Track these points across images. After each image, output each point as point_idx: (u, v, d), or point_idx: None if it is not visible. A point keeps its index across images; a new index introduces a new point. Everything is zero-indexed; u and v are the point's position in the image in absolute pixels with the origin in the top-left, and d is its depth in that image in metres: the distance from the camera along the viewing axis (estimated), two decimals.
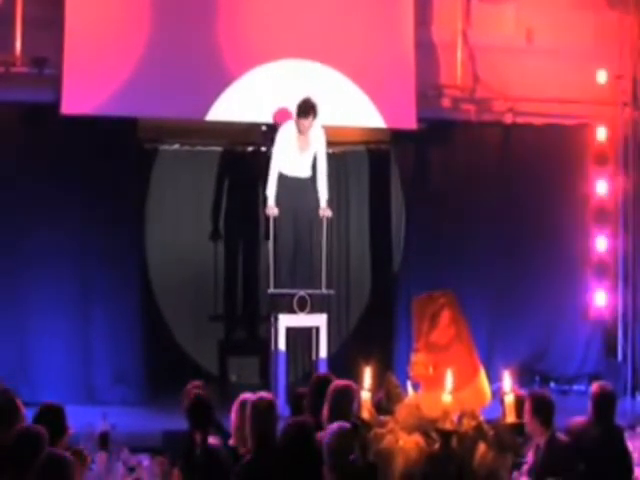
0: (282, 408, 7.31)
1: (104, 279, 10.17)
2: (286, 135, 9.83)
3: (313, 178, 9.96)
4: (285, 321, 9.58)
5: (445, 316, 5.61)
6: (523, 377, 9.84)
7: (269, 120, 10.43)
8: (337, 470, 4.98)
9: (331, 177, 10.22)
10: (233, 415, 6.05)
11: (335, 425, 5.13)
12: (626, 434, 6.61)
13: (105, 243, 10.16)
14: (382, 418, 5.31)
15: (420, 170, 11.11)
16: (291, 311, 9.63)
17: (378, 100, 10.62)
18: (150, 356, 10.38)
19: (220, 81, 10.27)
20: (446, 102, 11.26)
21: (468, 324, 5.71)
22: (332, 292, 10.26)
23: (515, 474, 5.76)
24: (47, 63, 10.02)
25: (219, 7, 10.32)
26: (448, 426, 5.05)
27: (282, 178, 9.85)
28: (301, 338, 10.30)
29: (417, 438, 5.15)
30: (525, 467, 6.00)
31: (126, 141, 10.33)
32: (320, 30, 10.50)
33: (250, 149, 11.28)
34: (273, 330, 9.67)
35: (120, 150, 10.24)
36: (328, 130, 10.09)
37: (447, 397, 5.06)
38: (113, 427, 6.51)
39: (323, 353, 9.62)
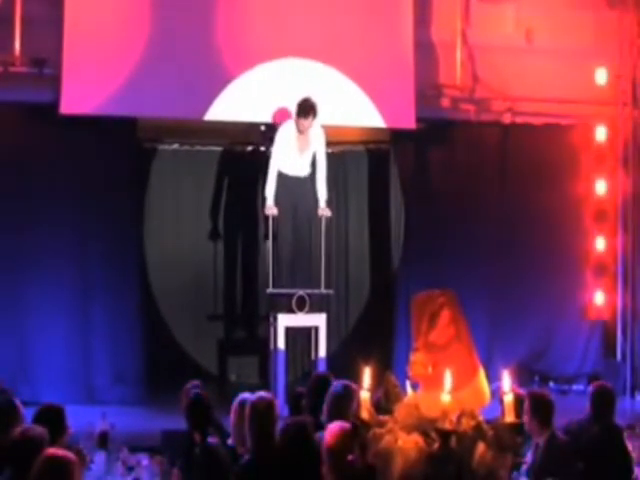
0: (281, 408, 7.31)
1: (104, 279, 10.17)
2: (285, 134, 9.84)
3: (312, 177, 9.96)
4: (284, 321, 9.58)
5: (444, 316, 5.61)
6: (522, 377, 9.83)
7: (268, 119, 10.44)
8: (336, 470, 4.98)
9: (330, 177, 10.22)
10: (232, 415, 6.05)
11: (334, 425, 5.12)
12: (625, 434, 6.60)
13: (105, 243, 10.17)
14: (381, 418, 5.31)
15: (419, 170, 11.12)
16: (290, 311, 9.64)
17: (377, 100, 10.62)
18: (149, 356, 10.39)
19: (219, 80, 10.27)
20: (445, 102, 11.26)
21: (467, 324, 5.71)
22: (331, 292, 10.27)
23: (515, 474, 5.76)
24: (46, 63, 10.02)
25: (218, 6, 10.32)
26: (447, 426, 5.05)
27: (281, 177, 9.85)
28: (300, 338, 10.31)
29: (416, 438, 5.14)
30: (524, 467, 5.99)
31: (125, 141, 10.34)
32: (319, 29, 10.50)
33: (249, 149, 11.28)
34: (272, 330, 9.67)
35: (119, 150, 10.25)
36: (327, 130, 10.09)
37: (446, 397, 5.06)
38: (112, 427, 6.51)
39: (322, 353, 9.62)
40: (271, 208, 9.85)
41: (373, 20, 10.66)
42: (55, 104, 9.93)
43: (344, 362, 9.41)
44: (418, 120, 10.77)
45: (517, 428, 5.20)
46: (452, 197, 11.02)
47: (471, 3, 11.28)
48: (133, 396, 10.03)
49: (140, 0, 10.22)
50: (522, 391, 6.20)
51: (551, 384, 11.04)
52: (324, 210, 9.95)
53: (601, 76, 11.39)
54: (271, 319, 9.74)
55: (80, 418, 6.34)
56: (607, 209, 11.52)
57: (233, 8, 10.35)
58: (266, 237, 10.16)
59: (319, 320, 9.71)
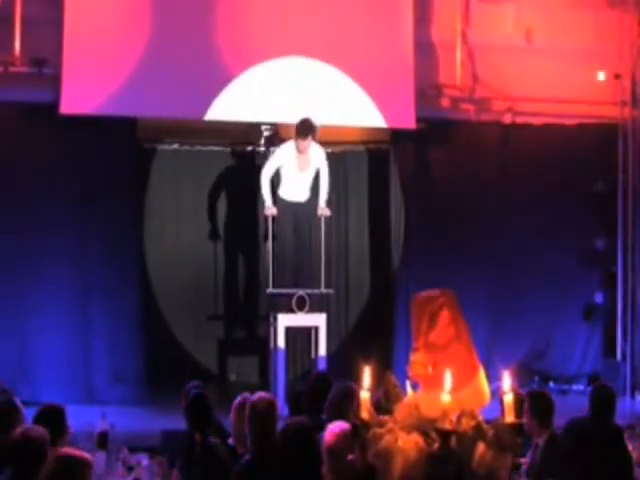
0: (281, 408, 7.31)
1: (104, 279, 10.18)
2: (286, 154, 9.82)
3: (311, 201, 9.96)
4: (284, 321, 9.59)
5: (444, 316, 5.60)
6: (522, 377, 9.84)
7: (269, 119, 10.44)
8: (336, 470, 4.98)
9: (330, 177, 10.22)
10: (232, 415, 6.05)
11: (334, 425, 5.12)
12: (625, 434, 6.60)
13: (105, 243, 10.18)
14: (381, 418, 5.31)
15: (419, 170, 11.12)
16: (290, 310, 9.65)
17: (378, 99, 10.63)
18: (150, 356, 10.39)
19: (219, 80, 10.28)
20: (445, 102, 11.27)
21: (467, 324, 5.71)
22: (331, 291, 10.28)
23: (514, 474, 5.76)
24: (46, 63, 10.03)
25: (218, 5, 10.32)
26: (447, 426, 5.04)
27: (280, 201, 9.86)
28: (300, 337, 10.32)
29: (416, 438, 5.13)
30: (524, 467, 5.99)
31: (125, 141, 10.35)
32: (320, 29, 10.50)
33: (250, 149, 11.29)
34: (272, 329, 9.68)
35: (119, 150, 10.26)
36: (328, 130, 10.09)
37: (446, 397, 5.05)
38: (112, 427, 6.50)
39: (322, 352, 9.63)
40: (270, 208, 9.86)
41: (373, 20, 10.68)
42: (55, 104, 9.94)
43: (344, 362, 9.40)
44: (418, 120, 10.78)
45: (517, 428, 5.19)
46: (452, 197, 11.02)
47: (471, 3, 11.29)
48: (133, 396, 10.03)
49: (140, 0, 10.23)
50: (522, 391, 6.20)
51: (551, 384, 11.04)
52: (324, 210, 9.96)
53: (601, 76, 11.39)
54: (271, 319, 9.74)
55: (80, 418, 6.33)
56: (607, 209, 11.52)
57: (233, 7, 10.35)
58: (266, 237, 10.16)
59: (319, 320, 9.71)
